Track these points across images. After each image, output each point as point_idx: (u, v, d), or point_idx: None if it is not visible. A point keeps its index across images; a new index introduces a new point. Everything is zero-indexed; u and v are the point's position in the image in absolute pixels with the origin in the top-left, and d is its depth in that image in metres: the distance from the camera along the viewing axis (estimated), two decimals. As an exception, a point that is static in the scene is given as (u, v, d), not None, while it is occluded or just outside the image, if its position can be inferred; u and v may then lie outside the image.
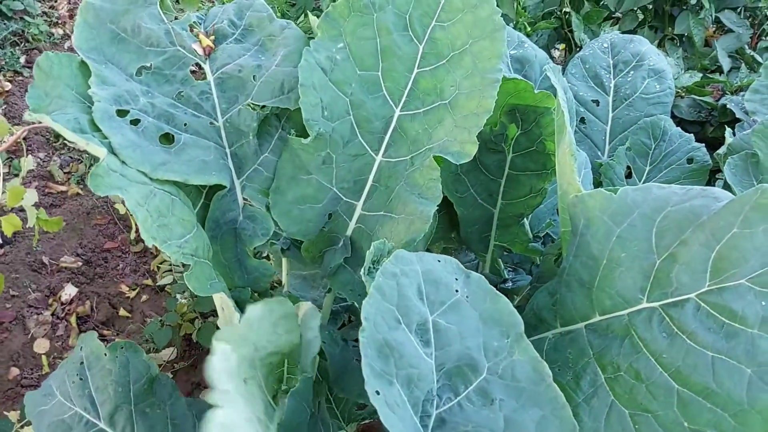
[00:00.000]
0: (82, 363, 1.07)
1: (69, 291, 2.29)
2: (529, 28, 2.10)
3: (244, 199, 1.25)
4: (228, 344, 0.67)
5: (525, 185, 1.34)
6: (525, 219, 1.40)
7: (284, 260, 1.45)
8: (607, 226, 0.98)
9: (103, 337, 2.18)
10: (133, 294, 2.32)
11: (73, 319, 2.21)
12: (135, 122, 1.11)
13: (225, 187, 1.19)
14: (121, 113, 1.11)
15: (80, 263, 2.43)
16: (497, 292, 0.89)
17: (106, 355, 1.06)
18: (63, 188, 2.85)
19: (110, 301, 2.30)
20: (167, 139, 1.14)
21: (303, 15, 2.65)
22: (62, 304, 2.27)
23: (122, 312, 2.25)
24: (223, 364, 0.66)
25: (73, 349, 1.12)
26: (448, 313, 0.87)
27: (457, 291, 0.89)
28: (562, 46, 2.70)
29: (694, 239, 0.89)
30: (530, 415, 0.81)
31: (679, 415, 0.88)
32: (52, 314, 2.23)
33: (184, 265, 1.18)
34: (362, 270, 0.92)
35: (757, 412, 0.82)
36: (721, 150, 1.60)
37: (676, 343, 0.88)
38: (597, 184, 1.60)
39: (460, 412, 0.82)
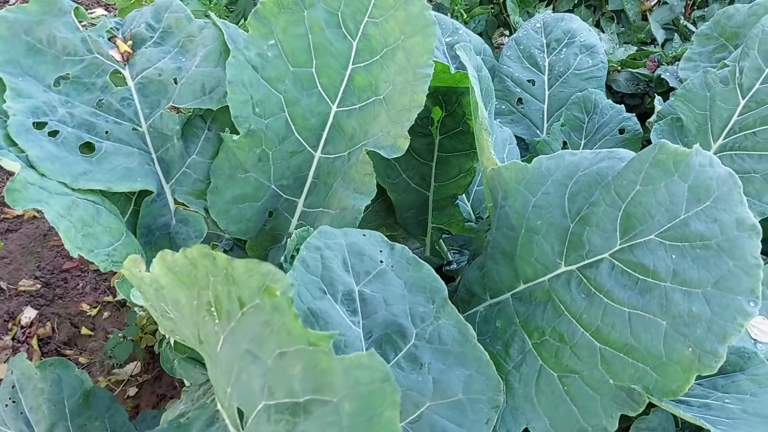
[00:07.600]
0: (13, 386, 1.05)
1: (29, 314, 2.26)
2: (465, 15, 2.12)
3: (176, 202, 1.25)
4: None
5: (455, 166, 1.35)
6: (459, 199, 1.42)
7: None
8: (524, 195, 1.00)
9: (66, 357, 2.15)
10: (94, 312, 2.30)
11: (34, 342, 2.18)
12: (53, 133, 1.10)
13: (152, 192, 1.19)
14: (39, 125, 1.10)
15: (39, 285, 2.39)
16: (420, 260, 0.92)
17: (37, 374, 1.05)
18: (19, 212, 2.81)
19: (71, 321, 2.27)
20: (88, 148, 1.14)
21: (243, 20, 2.64)
22: (22, 327, 2.23)
23: (84, 330, 2.22)
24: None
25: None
26: (374, 282, 0.89)
27: (381, 261, 0.91)
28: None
29: (602, 200, 0.91)
30: (457, 375, 0.84)
31: (603, 372, 0.89)
32: (13, 338, 2.20)
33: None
34: (282, 257, 0.93)
35: (675, 363, 0.83)
36: (652, 118, 1.63)
37: (594, 302, 0.90)
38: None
39: (391, 379, 0.84)
